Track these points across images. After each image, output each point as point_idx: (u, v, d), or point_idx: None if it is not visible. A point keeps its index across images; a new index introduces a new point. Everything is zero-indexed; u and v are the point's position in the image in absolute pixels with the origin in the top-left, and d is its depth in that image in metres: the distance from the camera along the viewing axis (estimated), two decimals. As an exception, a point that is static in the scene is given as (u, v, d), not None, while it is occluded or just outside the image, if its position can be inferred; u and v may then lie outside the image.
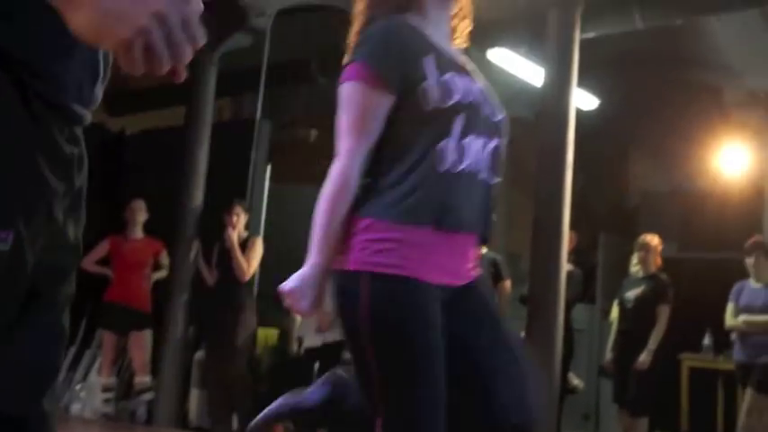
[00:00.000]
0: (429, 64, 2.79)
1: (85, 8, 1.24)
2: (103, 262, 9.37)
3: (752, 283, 8.37)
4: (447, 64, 2.88)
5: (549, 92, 8.28)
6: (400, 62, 2.78)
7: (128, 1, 1.23)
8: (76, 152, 1.59)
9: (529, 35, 9.36)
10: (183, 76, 1.30)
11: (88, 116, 1.60)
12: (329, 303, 9.46)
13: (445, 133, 2.75)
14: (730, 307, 8.36)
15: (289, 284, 2.87)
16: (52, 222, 1.55)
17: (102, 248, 9.31)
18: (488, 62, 10.71)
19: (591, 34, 8.64)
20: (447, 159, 2.74)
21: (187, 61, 1.28)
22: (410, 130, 2.77)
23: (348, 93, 2.82)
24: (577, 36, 8.22)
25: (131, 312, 9.09)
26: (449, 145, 2.75)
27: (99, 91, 1.62)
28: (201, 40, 1.28)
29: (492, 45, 10.21)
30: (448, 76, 2.82)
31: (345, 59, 2.89)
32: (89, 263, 8.96)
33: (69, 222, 1.62)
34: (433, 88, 2.76)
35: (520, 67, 10.70)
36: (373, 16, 2.95)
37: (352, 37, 2.96)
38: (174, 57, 1.26)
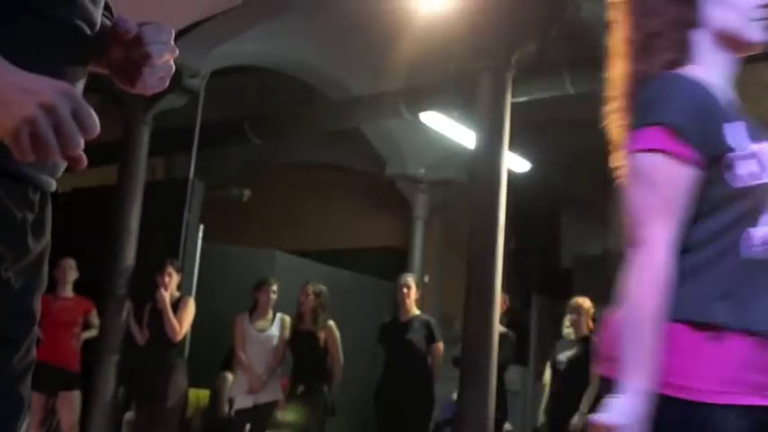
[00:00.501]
0: (733, 130, 2.26)
1: None
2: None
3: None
4: (755, 131, 2.34)
5: (480, 155, 8.37)
6: (703, 124, 2.23)
7: (16, 90, 1.26)
8: (31, 217, 1.57)
9: (461, 99, 9.49)
10: (83, 162, 1.31)
11: (46, 180, 1.60)
12: (260, 365, 9.38)
13: (755, 218, 2.23)
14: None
15: (610, 419, 2.10)
16: (3, 287, 1.53)
17: (31, 308, 9.20)
18: (421, 125, 10.84)
19: (522, 98, 8.77)
20: (758, 250, 2.22)
21: (79, 150, 1.29)
22: (711, 209, 2.22)
23: (647, 166, 2.23)
24: (509, 100, 8.34)
25: (60, 372, 8.93)
26: (760, 232, 2.23)
27: None
28: (95, 130, 1.29)
29: (425, 108, 10.32)
30: (759, 147, 2.28)
31: (628, 124, 2.38)
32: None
33: (25, 288, 1.59)
34: (741, 161, 2.22)
35: (452, 129, 10.83)
36: (645, 73, 2.40)
37: (620, 99, 2.47)
38: (64, 146, 1.27)
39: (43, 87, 1.28)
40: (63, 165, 1.60)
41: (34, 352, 1.64)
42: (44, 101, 1.25)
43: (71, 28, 1.58)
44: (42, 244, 1.63)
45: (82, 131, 1.28)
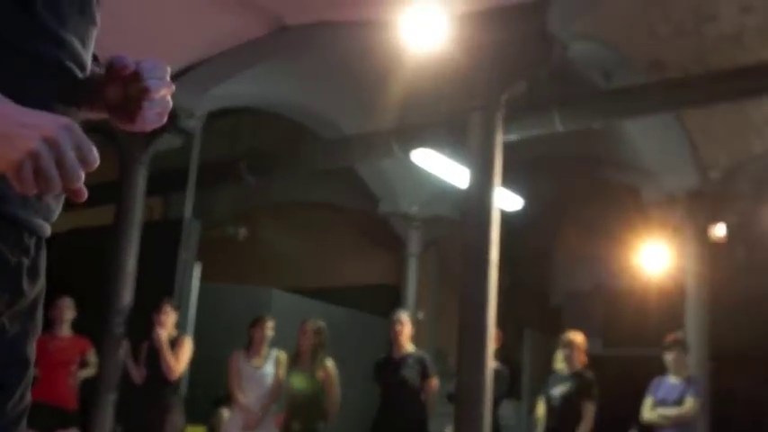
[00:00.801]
0: None
1: None
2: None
3: (670, 379, 8.55)
4: None
5: (472, 193, 8.46)
6: None
7: (18, 124, 1.29)
8: (26, 262, 1.57)
9: (453, 138, 9.60)
10: (84, 195, 1.34)
11: (41, 224, 1.60)
12: (255, 402, 9.36)
13: None
14: (648, 401, 8.53)
15: None
16: None
17: (29, 347, 9.25)
18: (413, 163, 10.93)
19: (513, 136, 8.88)
20: None
21: (80, 183, 1.32)
22: None
23: None
24: (499, 138, 8.43)
25: (57, 411, 8.98)
26: None
27: (52, 199, 1.61)
28: (95, 163, 1.33)
29: (416, 147, 10.42)
30: None
31: None
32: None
33: (19, 334, 1.59)
34: None
35: (444, 167, 10.92)
36: None
37: None
38: (66, 179, 1.30)
39: (46, 122, 1.30)
40: (58, 209, 1.64)
41: (28, 397, 1.63)
42: (47, 135, 1.28)
43: (62, 69, 1.60)
44: (37, 289, 1.62)
45: (83, 165, 1.31)
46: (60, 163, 1.28)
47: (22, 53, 1.52)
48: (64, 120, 1.33)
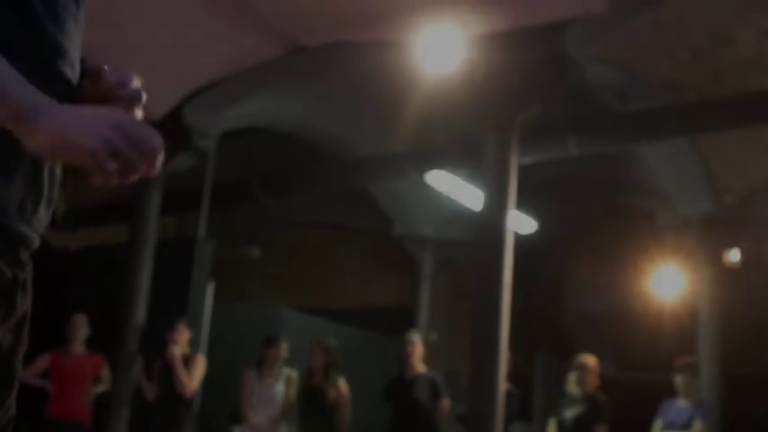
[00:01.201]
0: None
1: (43, 131, 1.33)
2: (43, 376, 9.30)
3: (679, 402, 8.53)
4: None
5: (486, 215, 8.46)
6: None
7: (80, 118, 1.35)
8: (21, 276, 1.57)
9: (468, 159, 9.60)
10: (157, 170, 1.40)
11: (33, 237, 1.59)
12: (266, 421, 9.32)
13: None
14: (657, 424, 8.52)
15: None
16: None
17: (43, 362, 9.27)
18: (427, 184, 10.93)
19: (527, 159, 8.88)
20: None
21: (159, 158, 1.38)
22: None
23: None
24: (514, 161, 8.43)
25: (71, 427, 9.00)
26: None
27: (44, 210, 1.60)
28: (159, 141, 1.38)
29: (431, 168, 10.42)
30: None
31: None
32: (30, 376, 8.89)
33: (12, 348, 1.59)
34: None
35: (458, 189, 10.92)
36: None
37: None
38: (145, 153, 1.36)
39: (102, 111, 1.37)
40: (47, 221, 1.63)
41: (13, 409, 1.64)
42: (111, 120, 1.34)
43: (62, 78, 1.61)
44: (27, 303, 1.63)
45: (151, 142, 1.37)
46: (133, 144, 1.34)
47: (24, 61, 1.51)
48: (115, 108, 1.42)
